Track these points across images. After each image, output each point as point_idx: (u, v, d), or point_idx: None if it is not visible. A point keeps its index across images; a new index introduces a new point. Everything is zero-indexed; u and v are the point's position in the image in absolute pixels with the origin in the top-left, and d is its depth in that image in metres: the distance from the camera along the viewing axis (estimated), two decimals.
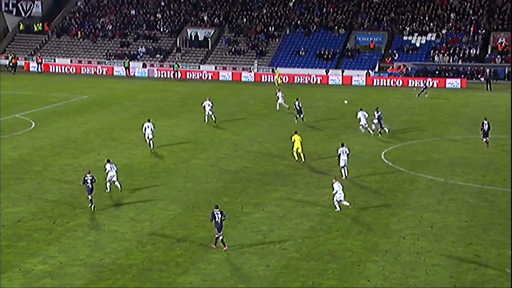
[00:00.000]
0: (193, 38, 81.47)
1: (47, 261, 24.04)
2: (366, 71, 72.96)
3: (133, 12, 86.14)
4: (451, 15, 78.84)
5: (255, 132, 46.08)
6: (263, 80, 73.27)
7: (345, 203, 29.83)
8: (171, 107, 55.22)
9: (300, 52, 77.89)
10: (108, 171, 31.69)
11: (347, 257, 24.81)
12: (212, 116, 48.12)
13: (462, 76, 71.24)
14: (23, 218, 28.26)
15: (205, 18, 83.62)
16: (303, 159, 38.04)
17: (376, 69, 74.12)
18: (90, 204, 29.56)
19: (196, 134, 45.24)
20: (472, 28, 76.58)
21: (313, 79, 72.25)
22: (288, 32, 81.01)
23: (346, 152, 34.91)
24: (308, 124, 48.70)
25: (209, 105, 48.32)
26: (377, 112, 45.16)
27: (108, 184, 31.82)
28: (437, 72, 72.40)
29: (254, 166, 37.38)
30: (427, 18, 78.98)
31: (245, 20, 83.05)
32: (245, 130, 46.86)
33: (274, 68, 72.62)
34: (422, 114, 53.47)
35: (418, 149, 41.45)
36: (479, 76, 70.99)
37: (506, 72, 71.71)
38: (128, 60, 76.64)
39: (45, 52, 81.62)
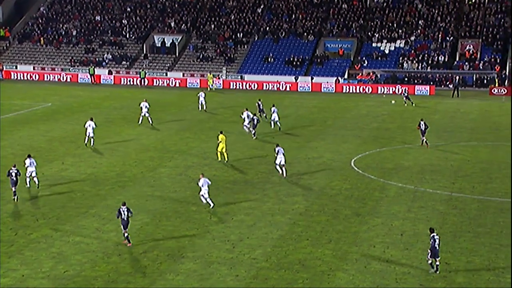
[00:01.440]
0: (160, 45, 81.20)
1: (8, 274, 23.64)
2: (336, 78, 73.51)
3: (98, 18, 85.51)
4: (420, 22, 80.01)
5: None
6: (231, 87, 73.34)
7: (206, 201, 30.99)
8: (137, 115, 54.86)
9: (269, 59, 78.20)
10: (27, 166, 33.19)
11: (317, 266, 24.90)
12: (149, 118, 49.73)
13: (431, 83, 72.28)
14: None
15: (172, 24, 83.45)
16: (226, 159, 39.16)
17: (346, 76, 74.78)
18: (14, 196, 31.42)
19: (164, 142, 45.04)
20: (440, 35, 77.81)
21: (282, 86, 72.58)
22: (256, 38, 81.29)
23: (281, 151, 36.71)
24: (277, 132, 48.83)
25: (146, 106, 49.89)
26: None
27: (27, 179, 33.28)
28: (406, 79, 73.31)
29: (223, 174, 37.34)
30: (395, 25, 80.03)
31: (213, 26, 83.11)
32: (214, 138, 46.68)
33: (208, 73, 73.14)
34: (392, 121, 54.05)
35: (388, 156, 41.87)
36: (448, 83, 72.09)
37: (474, 79, 72.96)
38: (93, 67, 76.04)
39: (6, 58, 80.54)
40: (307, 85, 72.69)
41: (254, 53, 79.70)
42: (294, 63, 77.15)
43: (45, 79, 75.77)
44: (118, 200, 32.14)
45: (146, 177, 36.45)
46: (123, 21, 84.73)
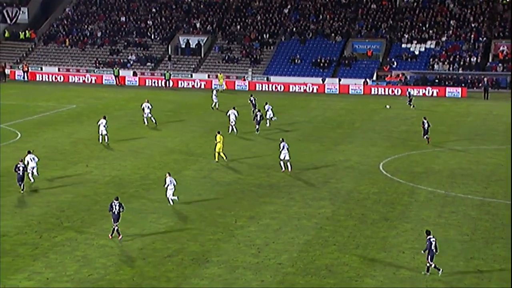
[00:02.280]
0: (185, 46, 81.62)
1: (33, 277, 23.92)
2: (364, 79, 73.18)
3: (123, 19, 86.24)
4: (451, 22, 79.29)
5: (249, 143, 46.10)
6: (257, 88, 73.40)
7: (173, 198, 31.68)
8: (162, 117, 55.19)
9: (296, 60, 78.14)
10: (29, 162, 34.39)
11: (345, 272, 24.79)
12: (152, 119, 50.50)
13: (463, 85, 71.56)
14: (8, 232, 28.14)
15: (198, 25, 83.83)
16: (225, 158, 39.78)
17: (374, 78, 74.39)
18: (22, 190, 33.44)
19: (188, 144, 45.24)
20: (472, 36, 77.01)
21: (309, 88, 72.45)
22: (283, 39, 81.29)
23: (286, 146, 38.36)
24: (304, 134, 48.80)
25: (148, 107, 50.77)
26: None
27: (30, 175, 34.59)
28: (436, 80, 72.69)
29: (248, 177, 37.38)
30: (426, 25, 79.42)
31: (239, 27, 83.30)
32: (239, 140, 46.88)
33: (219, 73, 73.66)
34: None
35: (418, 160, 41.54)
36: (480, 84, 71.32)
37: (508, 81, 72.05)
38: (118, 68, 76.70)
39: (31, 60, 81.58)
40: (334, 87, 72.49)
41: (281, 54, 79.71)
42: (321, 64, 76.97)
43: (70, 80, 76.59)
44: (143, 203, 32.40)
45: None
46: (148, 22, 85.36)
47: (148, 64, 79.82)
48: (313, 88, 72.51)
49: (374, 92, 71.18)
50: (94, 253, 26.12)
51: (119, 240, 27.36)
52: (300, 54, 79.01)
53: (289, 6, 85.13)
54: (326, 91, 72.20)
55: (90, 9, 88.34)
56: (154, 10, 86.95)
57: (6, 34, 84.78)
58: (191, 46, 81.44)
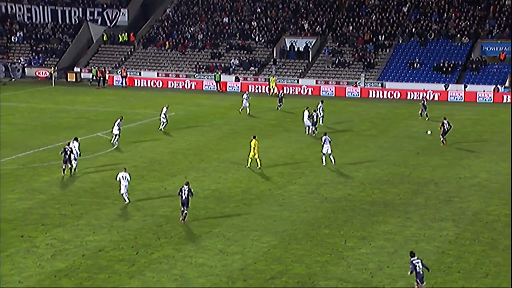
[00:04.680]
0: (291, 49, 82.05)
1: None
2: (494, 86, 71.05)
3: (226, 20, 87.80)
4: None
5: (361, 155, 45.75)
6: (371, 96, 72.76)
7: (123, 196, 34.75)
8: (265, 126, 55.75)
9: (415, 64, 76.90)
10: (72, 149, 39.95)
11: None
12: (162, 123, 53.06)
13: None
14: (104, 247, 29.23)
15: (306, 26, 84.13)
16: (259, 165, 41.57)
17: (507, 84, 71.98)
18: (63, 173, 39.57)
19: (294, 156, 45.42)
20: None
21: (430, 95, 71.11)
22: (400, 41, 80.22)
23: (328, 140, 41.96)
24: (423, 147, 47.94)
25: (165, 112, 53.04)
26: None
27: (74, 162, 40.18)
28: None
29: (359, 194, 37.07)
30: None
31: (351, 28, 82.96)
32: (349, 152, 46.61)
33: (271, 77, 74.88)
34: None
35: None
36: None
37: None
38: (219, 73, 78.18)
39: (130, 64, 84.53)
40: (459, 94, 70.85)
41: (398, 57, 78.69)
42: (444, 69, 75.32)
43: (169, 86, 78.86)
44: (244, 219, 32.81)
45: (274, 195, 36.90)
46: (253, 23, 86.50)
47: (252, 68, 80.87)
48: (434, 95, 71.17)
49: (507, 100, 68.83)
50: (192, 272, 26.66)
51: (182, 221, 31.63)
52: (420, 57, 77.70)
53: (408, 4, 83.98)
54: (449, 99, 70.70)
55: (192, 9, 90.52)
56: (259, 10, 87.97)
57: (105, 37, 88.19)
58: (298, 49, 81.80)
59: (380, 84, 74.85)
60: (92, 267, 27.08)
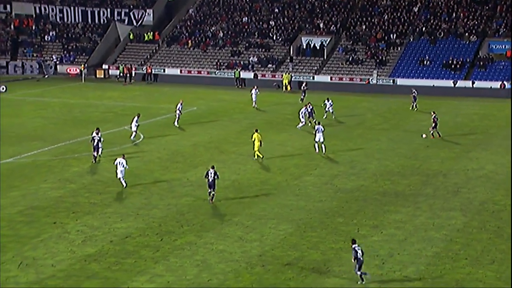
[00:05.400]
0: (307, 47, 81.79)
1: (155, 280, 24.84)
2: (501, 82, 70.35)
3: (245, 19, 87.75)
4: None
5: (373, 148, 45.59)
6: (382, 91, 72.37)
7: (120, 181, 35.43)
8: (282, 120, 55.70)
9: (425, 62, 76.39)
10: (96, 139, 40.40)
11: None
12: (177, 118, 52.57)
13: None
14: (131, 234, 29.41)
15: (321, 25, 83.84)
16: (261, 157, 41.67)
17: None
18: (94, 160, 40.26)
19: (309, 149, 45.33)
20: None
21: (439, 91, 70.53)
22: (411, 39, 79.71)
23: (321, 129, 43.08)
24: (432, 140, 47.67)
25: (179, 108, 52.84)
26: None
27: (100, 149, 40.66)
28: None
29: (371, 184, 36.97)
30: None
31: (364, 27, 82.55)
32: (362, 145, 46.46)
33: (285, 73, 74.83)
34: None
35: None
36: None
37: None
38: (239, 70, 78.13)
39: (155, 62, 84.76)
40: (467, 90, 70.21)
41: (408, 55, 78.19)
42: (453, 66, 74.75)
43: (191, 82, 78.74)
44: (262, 209, 32.84)
45: (291, 186, 36.89)
46: (271, 22, 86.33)
47: (269, 65, 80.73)
48: (443, 91, 70.57)
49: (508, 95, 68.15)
50: (213, 258, 26.75)
51: (210, 202, 32.98)
52: (429, 55, 77.16)
53: (419, 4, 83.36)
54: (456, 95, 70.07)
55: (213, 10, 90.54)
56: (276, 10, 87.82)
57: (131, 36, 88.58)
58: (314, 47, 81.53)
59: (391, 81, 74.41)
60: (119, 252, 27.27)
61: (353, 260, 24.56)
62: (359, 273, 24.33)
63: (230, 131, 51.30)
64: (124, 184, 35.74)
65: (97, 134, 41.08)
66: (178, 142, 47.58)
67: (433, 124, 47.91)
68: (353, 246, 24.50)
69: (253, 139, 42.14)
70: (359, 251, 24.30)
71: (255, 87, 63.32)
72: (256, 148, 41.88)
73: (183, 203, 33.71)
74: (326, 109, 55.38)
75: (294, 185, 36.91)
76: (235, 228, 30.17)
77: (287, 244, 28.26)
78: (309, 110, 52.66)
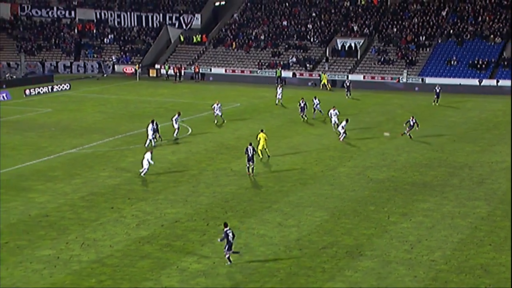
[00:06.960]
0: (342, 48, 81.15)
1: (201, 261, 24.95)
2: None
3: (285, 23, 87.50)
4: None
5: (402, 142, 45.00)
6: (412, 90, 71.36)
7: (151, 162, 35.33)
8: (319, 116, 55.35)
9: (452, 62, 75.06)
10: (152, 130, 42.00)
11: (501, 273, 23.47)
12: (221, 117, 51.80)
13: None
14: (180, 219, 29.58)
15: (355, 28, 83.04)
16: (267, 155, 39.90)
17: None
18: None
19: (343, 142, 44.99)
20: None
21: (466, 89, 69.27)
22: (439, 41, 78.39)
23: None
24: (459, 135, 46.87)
25: (218, 107, 51.91)
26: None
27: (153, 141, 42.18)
28: None
29: (401, 175, 36.51)
30: None
31: (395, 29, 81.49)
32: (393, 139, 45.89)
33: (322, 73, 73.96)
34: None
35: None
36: None
37: None
38: (280, 69, 77.95)
39: (202, 62, 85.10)
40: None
41: (437, 56, 76.93)
42: (479, 66, 73.29)
43: (235, 80, 78.86)
44: (300, 197, 32.71)
45: (326, 176, 36.65)
46: (308, 25, 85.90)
47: (307, 65, 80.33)
48: (469, 89, 69.29)
49: None
50: (255, 242, 26.74)
51: (250, 175, 35.04)
52: (456, 55, 75.77)
53: (447, 9, 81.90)
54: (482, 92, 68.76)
55: (256, 14, 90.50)
56: (314, 14, 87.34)
57: (181, 39, 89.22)
58: (349, 48, 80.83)
59: (420, 80, 73.32)
60: (170, 236, 27.46)
61: (219, 240, 24.63)
62: (228, 254, 24.22)
63: (271, 126, 51.16)
64: (145, 171, 35.79)
65: (152, 124, 43.04)
66: (223, 135, 47.66)
67: (410, 126, 45.19)
68: (225, 229, 24.38)
69: (258, 139, 40.35)
70: (230, 234, 24.21)
71: (280, 85, 63.46)
72: (260, 148, 40.06)
73: (227, 191, 33.77)
74: (314, 107, 54.00)
75: (329, 175, 36.66)
76: (274, 215, 30.11)
77: (322, 230, 28.10)
78: (301, 105, 52.32)
